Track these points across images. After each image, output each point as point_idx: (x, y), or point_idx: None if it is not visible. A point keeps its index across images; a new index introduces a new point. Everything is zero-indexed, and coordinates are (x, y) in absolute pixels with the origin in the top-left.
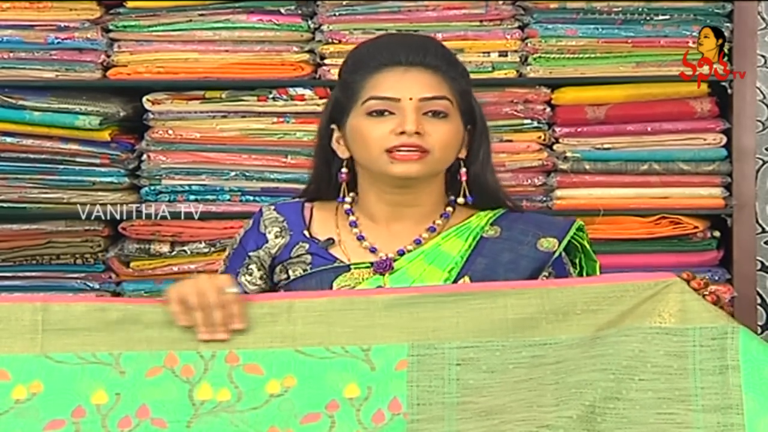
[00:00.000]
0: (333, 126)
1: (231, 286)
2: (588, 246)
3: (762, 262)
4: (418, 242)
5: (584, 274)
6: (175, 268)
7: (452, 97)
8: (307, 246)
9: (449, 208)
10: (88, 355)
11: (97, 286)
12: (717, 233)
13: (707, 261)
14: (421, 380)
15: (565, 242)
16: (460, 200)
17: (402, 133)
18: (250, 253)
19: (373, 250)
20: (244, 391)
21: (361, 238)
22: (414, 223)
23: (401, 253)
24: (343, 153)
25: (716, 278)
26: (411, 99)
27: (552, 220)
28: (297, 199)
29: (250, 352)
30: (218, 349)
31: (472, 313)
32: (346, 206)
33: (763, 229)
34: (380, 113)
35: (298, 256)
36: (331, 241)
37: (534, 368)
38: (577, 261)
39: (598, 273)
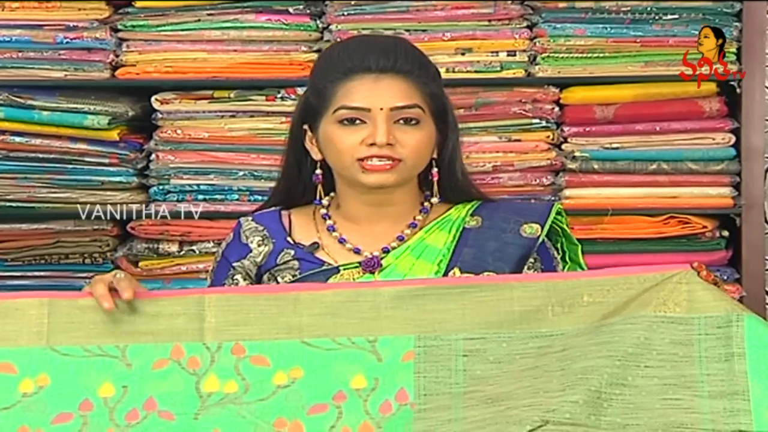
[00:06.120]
0: (305, 126)
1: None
2: (568, 229)
3: None
4: (401, 239)
5: (567, 258)
6: (184, 268)
7: (423, 104)
8: (292, 252)
9: (427, 204)
10: (94, 348)
11: None
12: (726, 233)
13: (716, 261)
14: (428, 371)
15: (547, 227)
16: (434, 200)
17: (373, 144)
18: (234, 264)
19: (357, 251)
20: (251, 383)
21: (342, 241)
22: (394, 221)
23: (386, 251)
24: (316, 155)
25: (725, 278)
26: (382, 109)
27: (530, 206)
28: (272, 208)
29: (256, 343)
30: (224, 341)
31: (479, 305)
32: (323, 210)
33: None
34: (351, 122)
35: (284, 263)
36: (316, 246)
37: (540, 357)
38: (558, 246)
39: (580, 257)
